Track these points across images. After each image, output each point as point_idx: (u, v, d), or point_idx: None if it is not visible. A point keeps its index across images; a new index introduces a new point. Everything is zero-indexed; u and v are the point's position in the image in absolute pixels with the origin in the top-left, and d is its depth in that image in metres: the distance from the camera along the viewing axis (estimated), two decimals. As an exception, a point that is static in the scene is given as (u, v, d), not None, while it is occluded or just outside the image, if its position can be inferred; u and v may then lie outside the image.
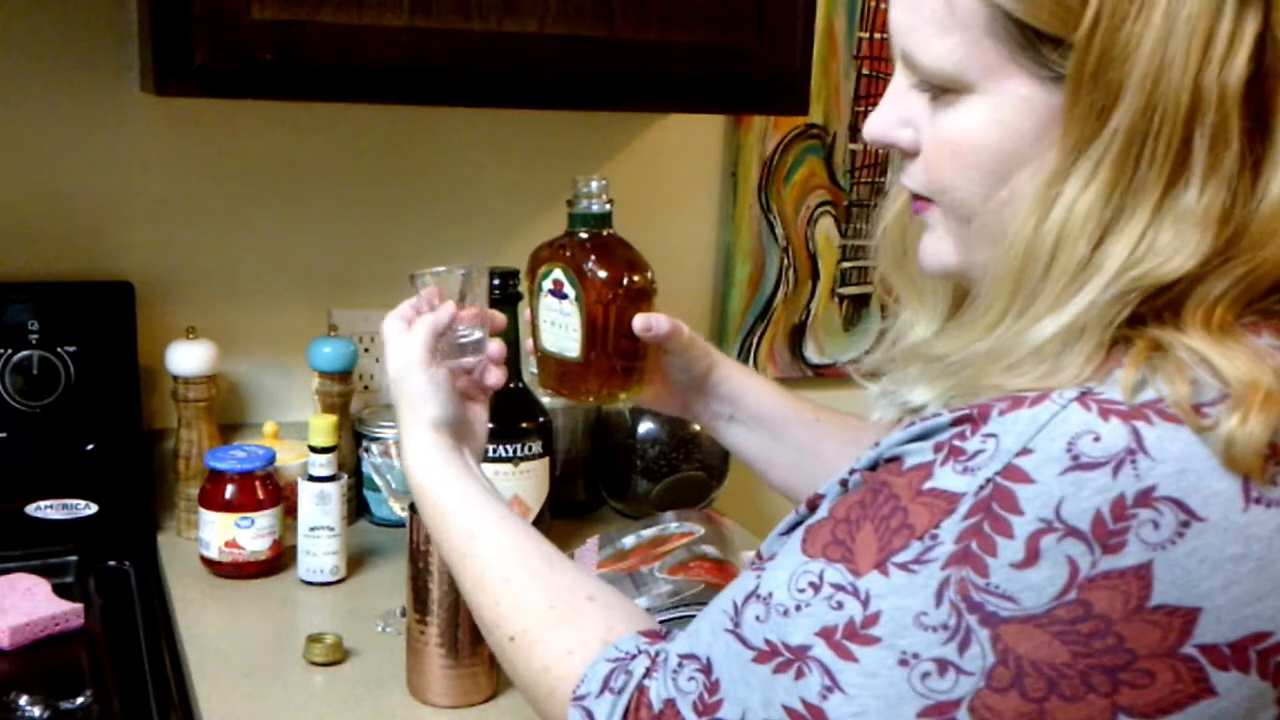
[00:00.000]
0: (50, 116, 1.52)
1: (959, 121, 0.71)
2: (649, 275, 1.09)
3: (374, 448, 1.33)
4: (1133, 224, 0.66)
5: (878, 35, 1.85)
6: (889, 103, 0.76)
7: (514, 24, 1.31)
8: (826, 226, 1.90)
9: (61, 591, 1.36)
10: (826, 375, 1.95)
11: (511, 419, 1.44)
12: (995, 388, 0.67)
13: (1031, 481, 0.63)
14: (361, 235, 1.68)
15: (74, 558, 1.48)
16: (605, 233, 1.10)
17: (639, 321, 1.05)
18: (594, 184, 1.10)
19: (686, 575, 1.31)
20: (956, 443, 0.66)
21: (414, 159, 1.69)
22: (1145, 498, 0.61)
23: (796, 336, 1.93)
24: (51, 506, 1.51)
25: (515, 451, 1.46)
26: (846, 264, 1.93)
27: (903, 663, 0.64)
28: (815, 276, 1.92)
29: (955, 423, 0.67)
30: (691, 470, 1.68)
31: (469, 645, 1.17)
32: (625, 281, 1.07)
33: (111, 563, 1.49)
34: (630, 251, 1.10)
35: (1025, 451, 0.63)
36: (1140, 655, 0.61)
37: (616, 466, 1.68)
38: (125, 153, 1.56)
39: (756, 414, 1.13)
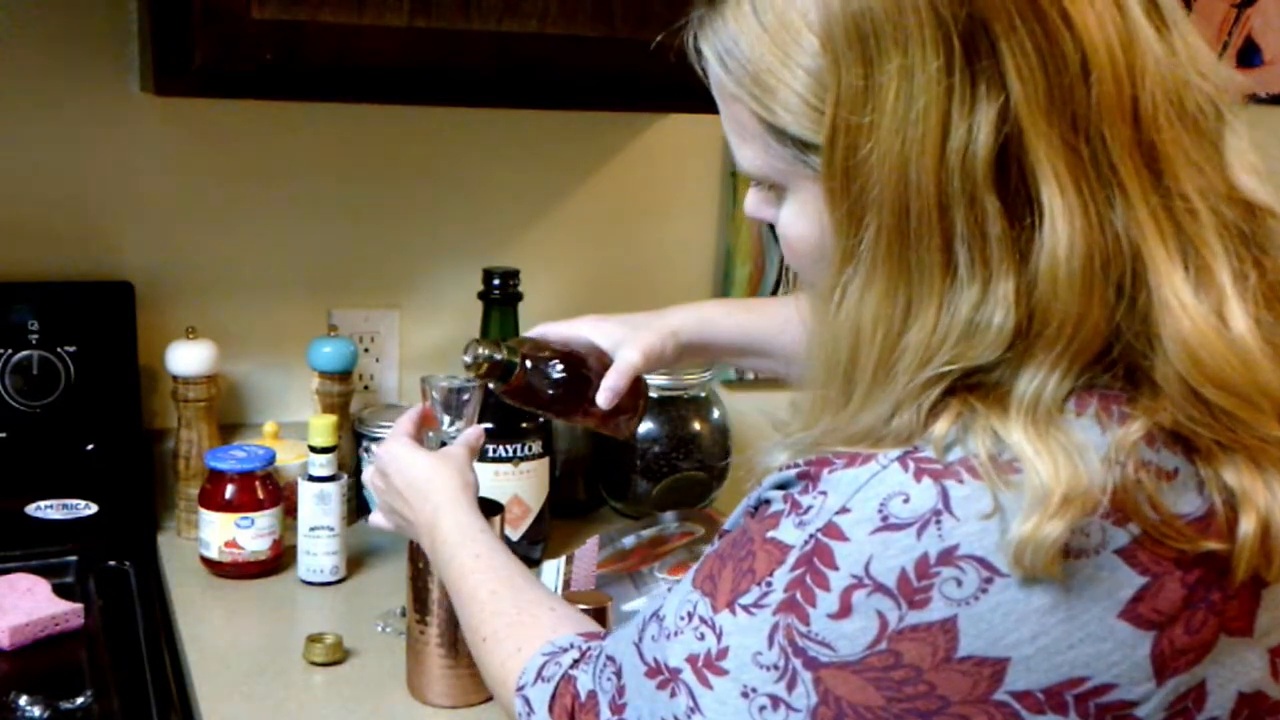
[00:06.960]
0: (51, 117, 1.52)
1: (783, 216, 0.77)
2: (567, 374, 1.14)
3: (374, 448, 1.33)
4: (923, 317, 0.67)
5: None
6: (754, 186, 0.81)
7: (514, 24, 1.31)
8: (826, 226, 1.90)
9: (61, 591, 1.36)
10: (826, 375, 1.94)
11: (511, 419, 1.44)
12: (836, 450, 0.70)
13: (846, 540, 0.66)
14: (361, 235, 1.68)
15: (74, 558, 1.48)
16: (519, 372, 1.13)
17: (602, 400, 1.12)
18: (480, 352, 1.13)
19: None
20: (798, 496, 0.70)
21: (414, 159, 1.69)
22: (948, 557, 0.64)
23: (796, 336, 1.93)
24: (51, 506, 1.51)
25: (515, 451, 1.46)
26: (846, 264, 1.93)
27: (744, 695, 0.69)
28: (815, 276, 1.91)
29: (800, 476, 0.70)
30: (691, 470, 1.68)
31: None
32: (566, 401, 1.14)
33: (111, 563, 1.49)
34: (540, 373, 1.13)
35: (844, 510, 0.67)
36: (953, 701, 0.64)
37: (616, 466, 1.68)
38: (125, 153, 1.56)
39: (733, 351, 1.23)
